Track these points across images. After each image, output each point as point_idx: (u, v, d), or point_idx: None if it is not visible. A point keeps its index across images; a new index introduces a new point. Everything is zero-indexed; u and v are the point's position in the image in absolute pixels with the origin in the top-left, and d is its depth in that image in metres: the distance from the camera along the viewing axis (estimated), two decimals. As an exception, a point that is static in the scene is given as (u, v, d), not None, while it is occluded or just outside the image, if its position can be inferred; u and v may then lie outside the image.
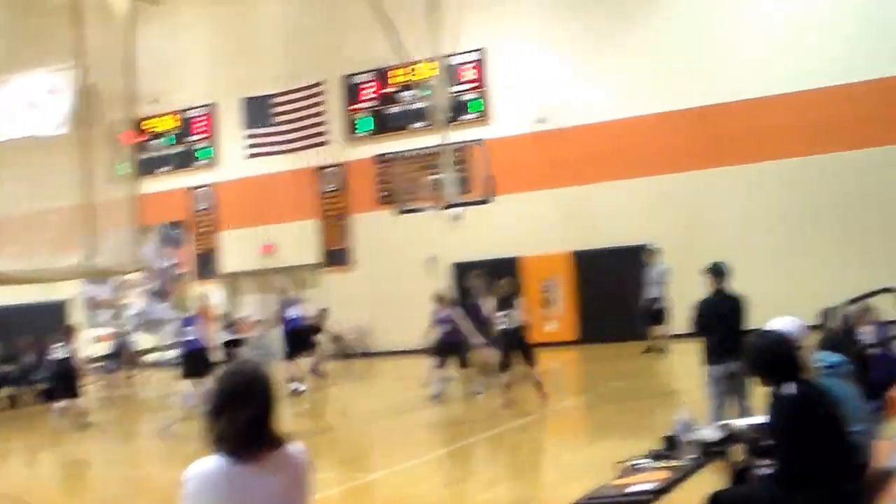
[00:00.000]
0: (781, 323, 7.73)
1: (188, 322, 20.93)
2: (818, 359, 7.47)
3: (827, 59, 24.60)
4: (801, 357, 6.83)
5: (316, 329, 24.49)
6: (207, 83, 32.96)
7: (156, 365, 30.88)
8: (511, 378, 18.26)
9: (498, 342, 18.66)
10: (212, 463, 4.16)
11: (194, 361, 20.41)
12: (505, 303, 18.43)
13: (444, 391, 19.90)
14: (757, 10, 25.67)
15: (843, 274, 22.09)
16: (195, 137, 34.26)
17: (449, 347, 20.21)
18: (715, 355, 11.58)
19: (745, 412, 10.91)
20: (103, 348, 30.86)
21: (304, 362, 23.46)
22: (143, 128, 33.49)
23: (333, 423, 19.73)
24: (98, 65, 22.12)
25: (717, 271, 12.06)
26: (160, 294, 34.73)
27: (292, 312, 23.30)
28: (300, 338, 23.13)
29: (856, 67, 24.29)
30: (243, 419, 4.14)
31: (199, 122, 34.18)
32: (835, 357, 7.59)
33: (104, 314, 35.15)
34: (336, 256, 31.42)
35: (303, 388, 22.40)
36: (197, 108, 34.03)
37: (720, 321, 11.67)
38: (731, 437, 7.67)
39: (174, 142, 34.59)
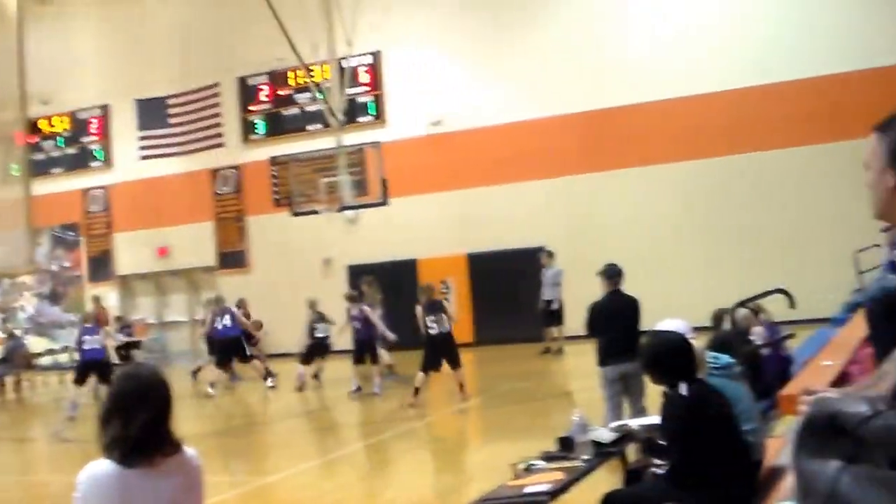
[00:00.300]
0: (669, 325, 7.90)
1: (89, 331, 20.65)
2: (709, 359, 7.65)
3: (717, 64, 25.10)
4: (695, 357, 7.00)
5: (248, 337, 24.38)
6: (100, 84, 32.59)
7: (49, 368, 30.48)
8: (424, 382, 18.49)
9: (426, 345, 18.62)
10: (104, 466, 4.15)
11: (96, 369, 20.13)
12: (434, 307, 18.63)
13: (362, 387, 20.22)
14: (648, 16, 26.08)
15: (735, 275, 22.59)
16: (88, 139, 33.82)
17: (363, 345, 20.53)
18: (609, 356, 11.67)
19: (639, 413, 11.10)
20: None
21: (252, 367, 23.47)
22: (36, 128, 32.99)
23: (231, 426, 19.68)
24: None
25: (612, 273, 12.23)
26: (53, 296, 34.28)
27: (225, 322, 23.06)
28: (232, 347, 22.95)
29: (747, 72, 24.83)
30: (137, 424, 4.12)
31: (93, 123, 33.76)
32: (725, 357, 7.76)
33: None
34: (232, 258, 31.27)
35: (271, 384, 22.48)
36: (90, 108, 33.59)
37: (615, 322, 11.76)
38: (626, 438, 7.79)
39: (67, 143, 34.11)
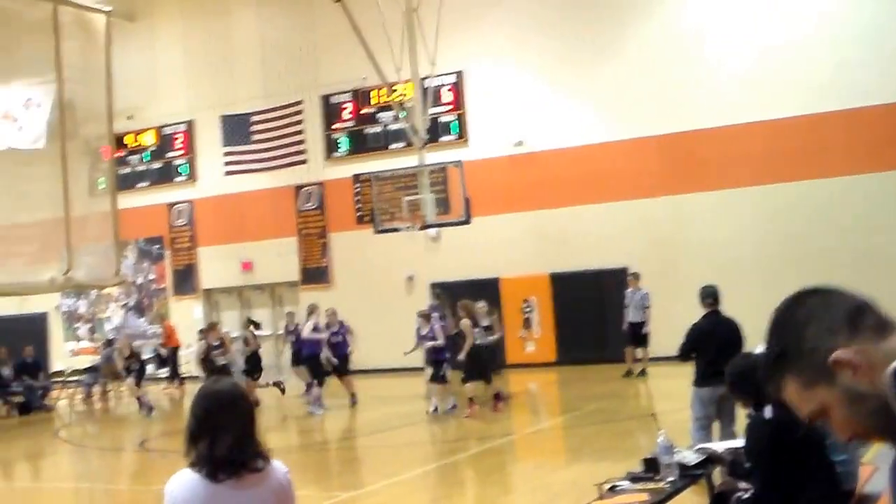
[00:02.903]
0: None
1: None
2: None
3: (799, 89, 24.90)
4: None
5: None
6: (186, 100, 32.94)
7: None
8: (474, 390, 19.58)
9: (471, 357, 19.68)
10: (192, 477, 4.15)
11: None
12: (477, 322, 19.88)
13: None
14: (732, 39, 25.91)
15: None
16: (174, 153, 34.27)
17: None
18: (705, 377, 11.48)
19: (728, 436, 10.94)
20: (85, 361, 30.93)
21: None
22: (122, 143, 33.41)
23: (314, 441, 19.79)
24: (76, 79, 22.15)
25: (712, 294, 12.13)
26: (138, 308, 34.74)
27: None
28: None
29: (827, 97, 24.60)
30: (226, 443, 4.12)
31: (178, 138, 34.20)
32: None
33: (82, 328, 35.15)
34: (314, 274, 31.49)
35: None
36: (175, 124, 34.02)
37: (714, 344, 11.54)
38: (711, 460, 7.72)
39: (152, 158, 34.57)
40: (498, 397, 20.09)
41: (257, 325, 25.41)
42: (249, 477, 4.17)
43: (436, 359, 20.47)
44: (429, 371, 21.10)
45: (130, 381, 24.90)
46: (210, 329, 23.52)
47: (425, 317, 21.11)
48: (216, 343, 22.18)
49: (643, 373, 23.50)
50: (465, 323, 19.85)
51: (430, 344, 20.60)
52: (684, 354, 11.99)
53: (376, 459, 16.93)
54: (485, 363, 19.74)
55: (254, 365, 23.56)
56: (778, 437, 6.39)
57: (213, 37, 32.36)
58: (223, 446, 4.12)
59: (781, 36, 25.40)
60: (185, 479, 4.18)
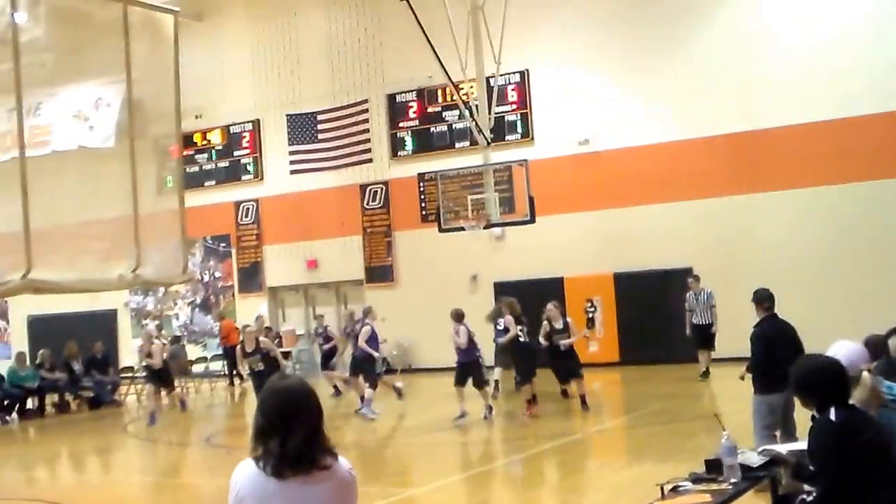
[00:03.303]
0: (842, 347, 7.60)
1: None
2: (886, 389, 7.29)
3: (868, 86, 24.62)
4: (849, 382, 6.76)
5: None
6: (252, 99, 33.24)
7: (201, 376, 31.31)
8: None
9: (525, 355, 20.17)
10: (258, 473, 4.16)
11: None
12: (520, 321, 20.35)
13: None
14: (798, 38, 25.70)
15: (886, 301, 22.08)
16: (241, 152, 34.58)
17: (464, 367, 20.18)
18: (775, 383, 10.91)
19: (792, 439, 10.76)
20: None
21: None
22: (190, 142, 33.77)
23: (371, 438, 19.87)
24: (145, 79, 22.36)
25: (770, 298, 11.95)
26: (205, 306, 35.10)
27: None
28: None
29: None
30: (296, 441, 4.11)
31: (245, 137, 34.49)
32: None
33: (150, 324, 35.56)
34: (379, 273, 31.66)
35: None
36: (242, 123, 34.34)
37: (780, 348, 11.27)
38: (775, 462, 7.65)
39: (220, 156, 34.92)
40: (564, 394, 20.54)
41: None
42: (317, 474, 4.18)
43: (467, 361, 19.92)
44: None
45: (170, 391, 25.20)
46: (246, 333, 22.61)
47: (458, 318, 20.28)
48: (250, 350, 21.50)
49: (706, 373, 23.26)
50: (509, 319, 20.14)
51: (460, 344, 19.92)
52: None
53: (436, 457, 16.98)
54: (534, 363, 19.95)
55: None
56: (843, 440, 6.26)
57: (280, 36, 32.56)
58: (294, 443, 4.12)
59: (851, 33, 25.12)
60: (250, 471, 4.19)
